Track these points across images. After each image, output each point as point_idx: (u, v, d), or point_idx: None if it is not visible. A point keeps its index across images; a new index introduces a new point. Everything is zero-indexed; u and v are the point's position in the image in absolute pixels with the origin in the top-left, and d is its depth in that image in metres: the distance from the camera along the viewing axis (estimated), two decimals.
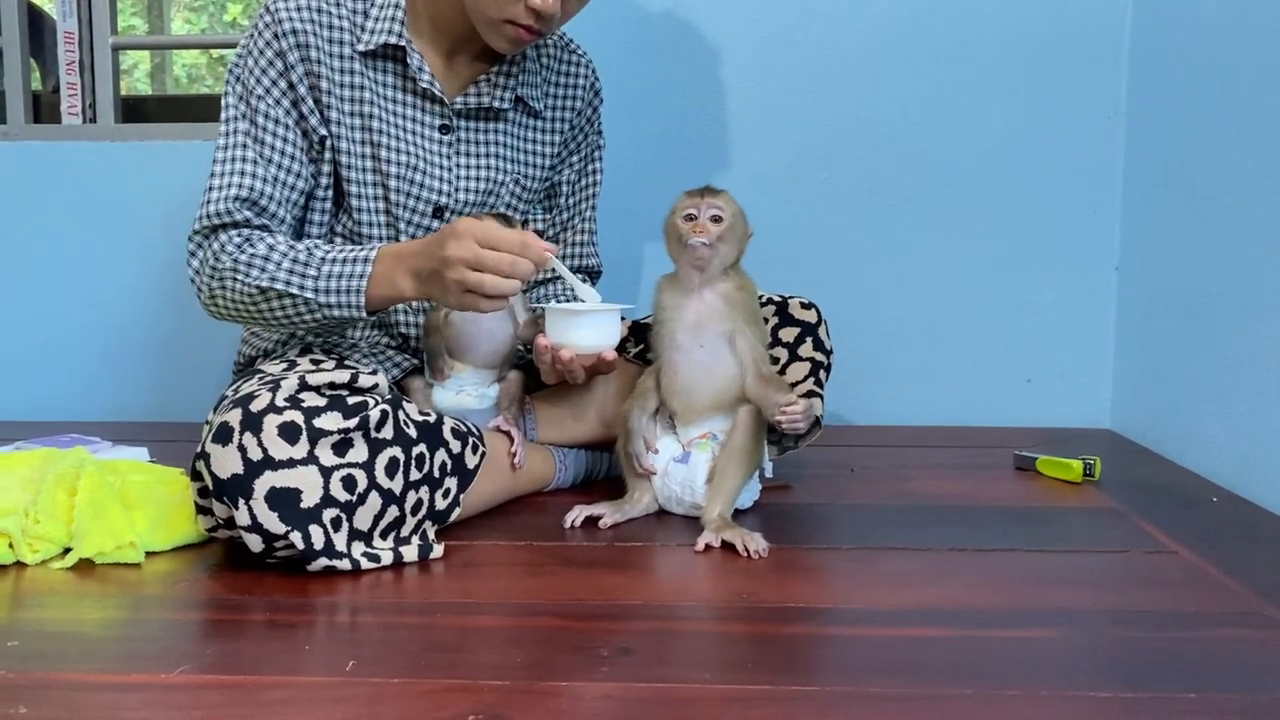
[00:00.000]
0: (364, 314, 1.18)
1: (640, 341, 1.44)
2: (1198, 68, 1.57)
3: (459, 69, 1.36)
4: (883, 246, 1.87)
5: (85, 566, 1.09)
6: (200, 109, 2.21)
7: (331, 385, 1.11)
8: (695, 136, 1.87)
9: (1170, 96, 1.66)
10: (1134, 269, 1.81)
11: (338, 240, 1.35)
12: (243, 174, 1.24)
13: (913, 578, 1.06)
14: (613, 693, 0.79)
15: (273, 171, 1.26)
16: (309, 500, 1.03)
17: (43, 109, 2.03)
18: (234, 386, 1.20)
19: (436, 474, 1.16)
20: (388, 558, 1.08)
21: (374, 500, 1.08)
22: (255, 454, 1.02)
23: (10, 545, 1.10)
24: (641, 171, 1.83)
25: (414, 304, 1.35)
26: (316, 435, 1.04)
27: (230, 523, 1.05)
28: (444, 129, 1.35)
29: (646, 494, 1.27)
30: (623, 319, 1.25)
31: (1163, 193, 1.69)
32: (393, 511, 1.11)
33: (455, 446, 1.19)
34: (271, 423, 1.03)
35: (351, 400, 1.09)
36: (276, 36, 1.26)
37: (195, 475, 1.07)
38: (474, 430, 1.24)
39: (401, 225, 1.33)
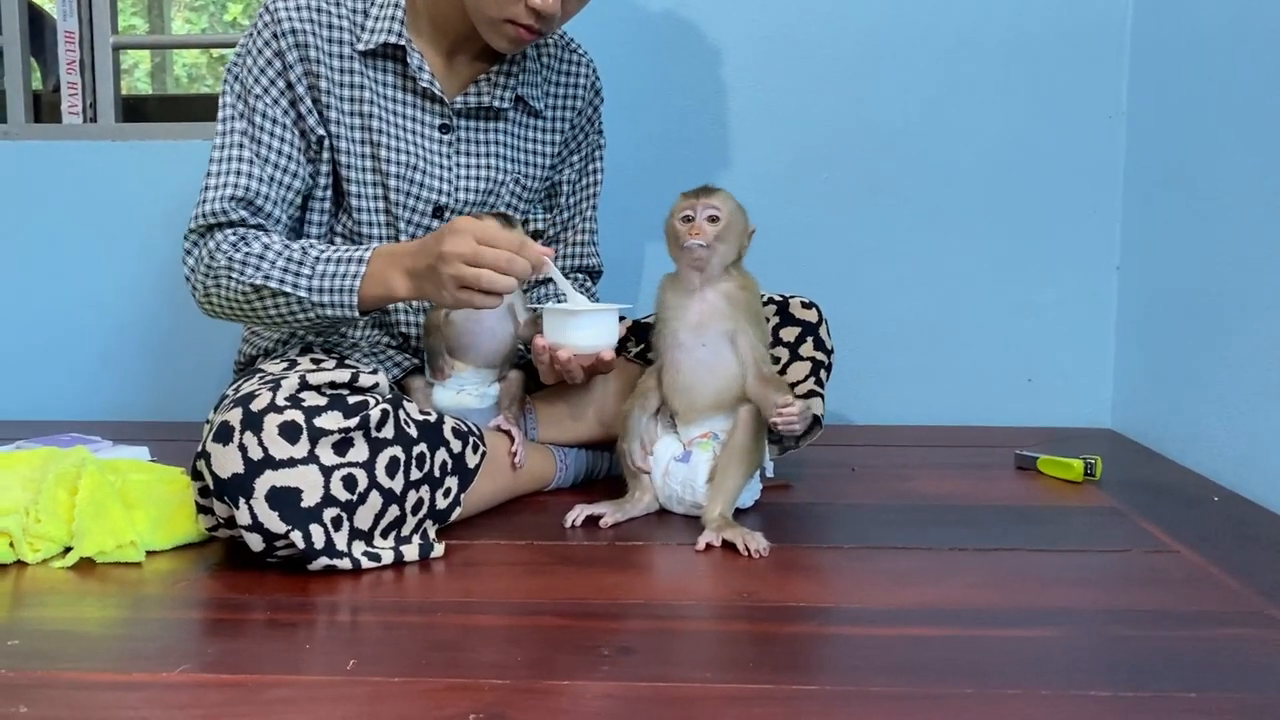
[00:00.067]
0: (356, 313, 1.18)
1: (641, 341, 1.44)
2: (1198, 68, 1.57)
3: (459, 68, 1.36)
4: (883, 246, 1.87)
5: (86, 565, 1.09)
6: (200, 108, 2.21)
7: (332, 385, 1.12)
8: (695, 136, 1.87)
9: (1171, 96, 1.66)
10: (1135, 269, 1.81)
11: (338, 240, 1.35)
12: (239, 174, 1.24)
13: (914, 577, 1.06)
14: (613, 692, 0.79)
15: (269, 171, 1.25)
16: (310, 499, 1.03)
17: (43, 108, 2.03)
18: (234, 386, 1.20)
19: (437, 473, 1.16)
20: (388, 557, 1.08)
21: (374, 499, 1.08)
22: (256, 453, 1.02)
23: (11, 544, 1.10)
24: (642, 171, 1.83)
25: (414, 304, 1.35)
26: (317, 434, 1.04)
27: (231, 522, 1.05)
28: (444, 128, 1.35)
29: (647, 493, 1.27)
30: (621, 319, 1.25)
31: (1163, 192, 1.69)
32: (393, 511, 1.11)
33: (456, 446, 1.19)
34: (272, 422, 1.03)
35: (352, 400, 1.09)
36: (276, 36, 1.26)
37: (196, 474, 1.07)
38: (475, 430, 1.24)
39: (401, 225, 1.33)
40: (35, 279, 1.92)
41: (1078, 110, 1.83)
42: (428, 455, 1.15)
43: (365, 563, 1.06)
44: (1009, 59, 1.83)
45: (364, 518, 1.08)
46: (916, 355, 1.89)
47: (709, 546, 1.14)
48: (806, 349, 1.39)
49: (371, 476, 1.08)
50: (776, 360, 1.37)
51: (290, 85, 1.27)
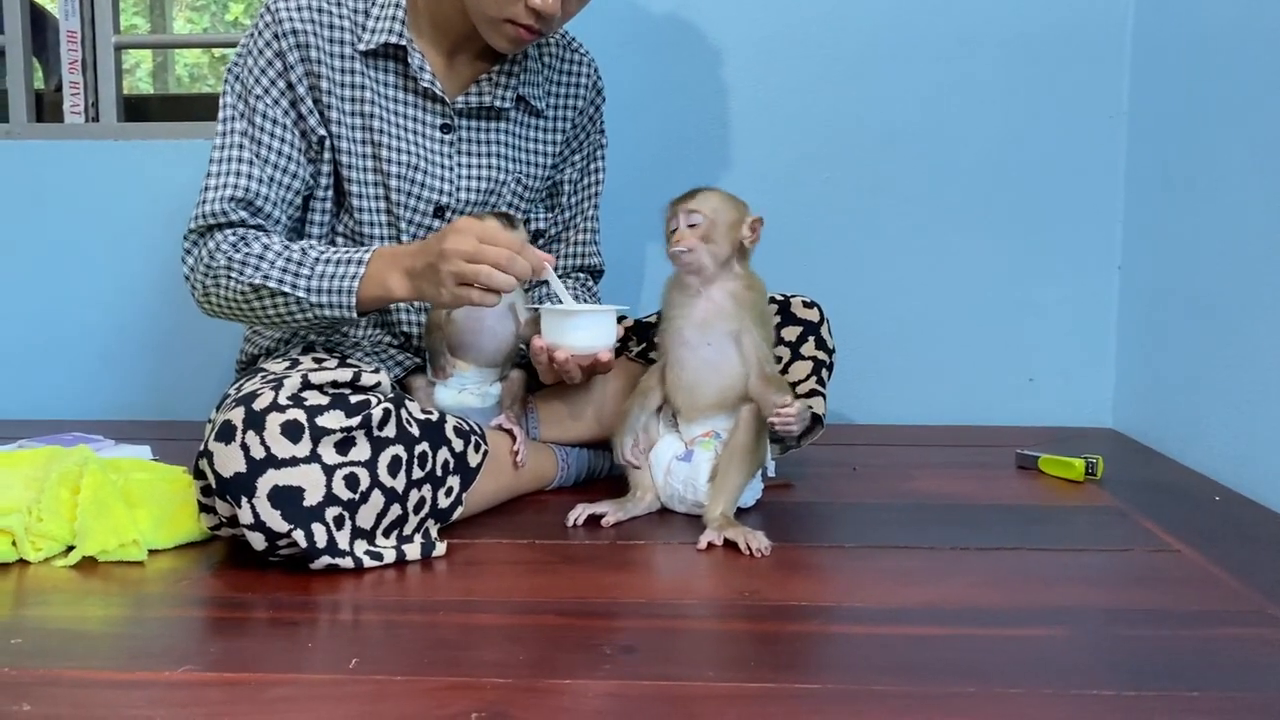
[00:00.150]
0: (355, 314, 1.18)
1: (643, 341, 1.44)
2: (1199, 67, 1.57)
3: (460, 68, 1.36)
4: (885, 245, 1.87)
5: (88, 564, 1.09)
6: (202, 108, 2.21)
7: (334, 384, 1.12)
8: (696, 136, 1.87)
9: (1172, 96, 1.66)
10: (1136, 268, 1.81)
11: (339, 240, 1.35)
12: (238, 174, 1.24)
13: (915, 576, 1.06)
14: (615, 690, 0.79)
15: (269, 172, 1.26)
16: (312, 498, 1.03)
17: (45, 108, 2.03)
18: (237, 385, 1.20)
19: (439, 472, 1.17)
20: (390, 556, 1.08)
21: (376, 498, 1.08)
22: (258, 452, 1.02)
23: (14, 543, 1.10)
24: (643, 171, 1.83)
25: (416, 303, 1.35)
26: (319, 434, 1.04)
27: (233, 521, 1.05)
28: (445, 128, 1.35)
29: (649, 492, 1.27)
30: (620, 320, 1.25)
31: (1164, 192, 1.69)
32: (395, 510, 1.11)
33: (458, 445, 1.19)
34: (274, 421, 1.03)
35: (354, 399, 1.09)
36: (276, 37, 1.26)
37: (198, 473, 1.07)
38: (476, 429, 1.24)
39: (402, 225, 1.33)
40: (37, 278, 1.93)
41: (1079, 110, 1.83)
42: (430, 454, 1.15)
43: (367, 562, 1.06)
44: (1010, 59, 1.83)
45: (366, 517, 1.08)
46: (918, 354, 1.89)
47: (710, 545, 1.14)
48: (808, 348, 1.39)
49: (374, 475, 1.08)
50: (778, 359, 1.37)
51: (291, 85, 1.27)
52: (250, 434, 1.02)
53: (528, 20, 1.22)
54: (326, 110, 1.29)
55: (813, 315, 1.42)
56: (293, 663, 0.85)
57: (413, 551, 1.10)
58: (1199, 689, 0.80)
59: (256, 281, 1.19)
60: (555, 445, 1.39)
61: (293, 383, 1.08)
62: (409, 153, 1.32)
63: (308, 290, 1.18)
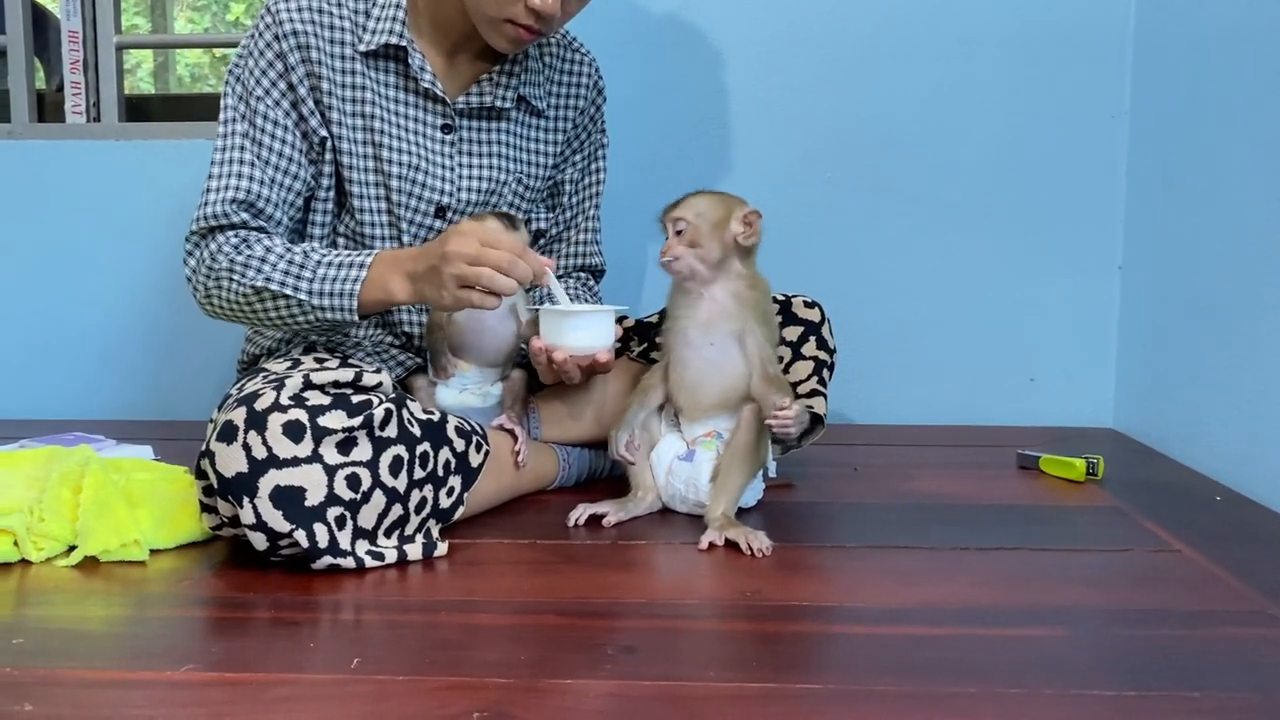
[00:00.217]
0: (356, 317, 1.18)
1: (644, 340, 1.44)
2: (1201, 67, 1.57)
3: (461, 68, 1.36)
4: (886, 245, 1.87)
5: (90, 564, 1.09)
6: (203, 108, 2.21)
7: (336, 384, 1.12)
8: (697, 136, 1.87)
9: (1173, 95, 1.66)
10: (1137, 268, 1.81)
11: (340, 241, 1.35)
12: (240, 176, 1.24)
13: (916, 576, 1.06)
14: (616, 690, 0.79)
15: (270, 173, 1.26)
16: (313, 499, 1.03)
17: (47, 108, 2.03)
18: (238, 385, 1.20)
19: (440, 472, 1.17)
20: (392, 556, 1.08)
21: (378, 499, 1.08)
22: (260, 452, 1.02)
23: (15, 543, 1.10)
24: (644, 171, 1.83)
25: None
26: (321, 434, 1.05)
27: (235, 521, 1.05)
28: (446, 128, 1.35)
29: (650, 492, 1.27)
30: (620, 320, 1.25)
31: (1166, 192, 1.69)
32: (397, 510, 1.11)
33: (459, 445, 1.19)
34: (276, 421, 1.03)
35: (356, 399, 1.09)
36: (277, 38, 1.26)
37: (200, 473, 1.07)
38: (478, 429, 1.24)
39: (404, 225, 1.33)
40: (38, 278, 1.93)
41: (1080, 109, 1.83)
42: (431, 454, 1.15)
43: (369, 562, 1.06)
44: (1011, 58, 1.83)
45: (367, 517, 1.08)
46: (918, 354, 1.89)
47: (712, 545, 1.14)
48: (809, 348, 1.39)
49: (375, 475, 1.08)
50: (780, 359, 1.36)
51: (292, 87, 1.27)
52: (252, 434, 1.02)
53: (527, 20, 1.22)
54: (327, 111, 1.29)
55: (814, 315, 1.42)
56: (294, 663, 0.85)
57: (414, 551, 1.10)
58: (1199, 689, 0.80)
59: (258, 284, 1.19)
60: (556, 445, 1.39)
61: (294, 383, 1.08)
62: (410, 153, 1.32)
63: (309, 293, 1.18)
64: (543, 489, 1.37)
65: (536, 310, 1.27)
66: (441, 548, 1.12)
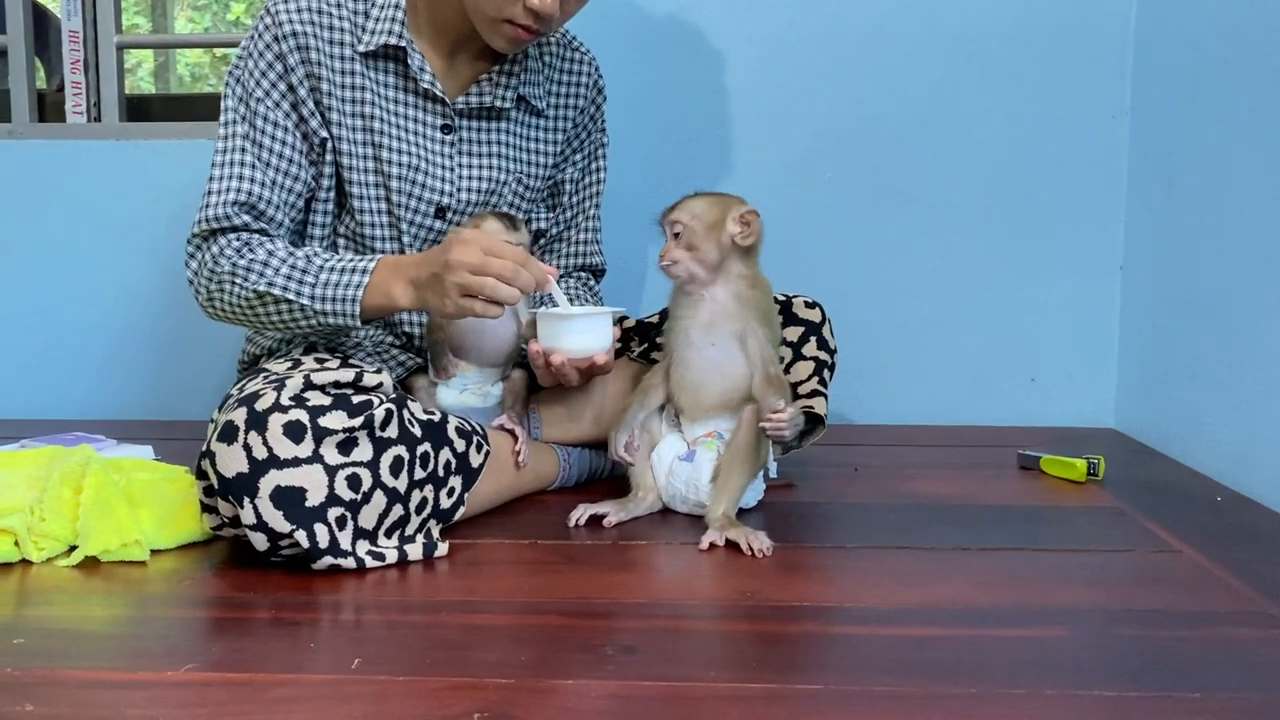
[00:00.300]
0: (358, 322, 1.18)
1: (644, 341, 1.44)
2: (1201, 66, 1.57)
3: (460, 68, 1.36)
4: (886, 245, 1.87)
5: (91, 564, 1.10)
6: (204, 108, 2.21)
7: (336, 384, 1.12)
8: (698, 135, 1.87)
9: (1174, 95, 1.66)
10: (1138, 268, 1.81)
11: (340, 242, 1.35)
12: (240, 178, 1.24)
13: (917, 577, 1.06)
14: (617, 691, 0.79)
15: (271, 175, 1.26)
16: (314, 499, 1.03)
17: (47, 108, 2.03)
18: (239, 385, 1.20)
19: (441, 473, 1.17)
20: (392, 556, 1.08)
21: (379, 499, 1.08)
22: (260, 453, 1.02)
23: (16, 543, 1.10)
24: (644, 171, 1.83)
25: None
26: (321, 434, 1.05)
27: (235, 521, 1.05)
28: (446, 129, 1.35)
29: (650, 492, 1.27)
30: (620, 321, 1.25)
31: (1167, 192, 1.69)
32: (397, 510, 1.11)
33: (460, 445, 1.19)
34: (276, 421, 1.03)
35: (356, 399, 1.09)
36: (277, 39, 1.26)
37: (200, 474, 1.07)
38: (478, 429, 1.24)
39: (404, 226, 1.33)
40: (39, 278, 1.93)
41: (1081, 109, 1.83)
42: (432, 454, 1.15)
43: (369, 562, 1.06)
44: (1012, 58, 1.83)
45: (368, 517, 1.08)
46: (919, 354, 1.89)
47: (712, 546, 1.14)
48: (810, 349, 1.39)
49: (376, 476, 1.08)
50: (780, 360, 1.36)
51: (292, 88, 1.27)
52: (253, 434, 1.02)
53: (526, 20, 1.22)
54: (327, 112, 1.29)
55: (814, 316, 1.42)
56: (295, 663, 0.85)
57: (415, 552, 1.10)
58: (1200, 689, 0.80)
59: (260, 288, 1.19)
60: (557, 445, 1.39)
61: (295, 383, 1.08)
62: (410, 154, 1.32)
63: (312, 298, 1.18)
64: (543, 489, 1.37)
65: (535, 313, 1.27)
66: (442, 548, 1.12)
